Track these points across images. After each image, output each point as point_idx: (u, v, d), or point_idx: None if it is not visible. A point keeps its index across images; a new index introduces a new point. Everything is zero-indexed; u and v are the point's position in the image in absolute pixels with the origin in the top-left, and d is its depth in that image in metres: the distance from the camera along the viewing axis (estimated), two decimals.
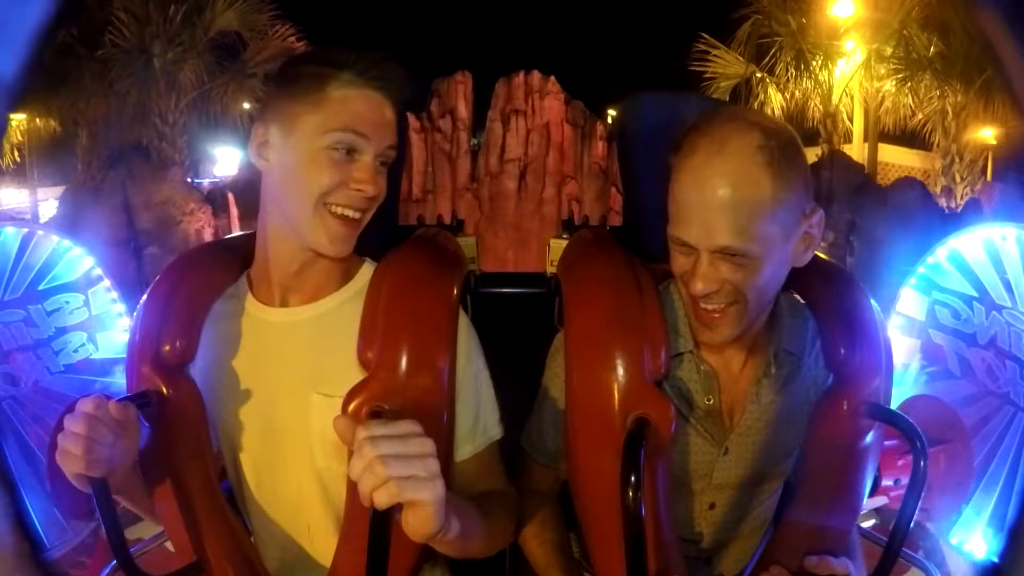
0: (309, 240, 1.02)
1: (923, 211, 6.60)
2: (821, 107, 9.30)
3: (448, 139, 8.80)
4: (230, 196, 7.02)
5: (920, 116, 9.06)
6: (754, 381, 1.08)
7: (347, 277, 1.11)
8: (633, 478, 0.89)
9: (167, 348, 1.04)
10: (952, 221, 6.67)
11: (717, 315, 1.01)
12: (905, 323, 3.15)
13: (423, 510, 0.79)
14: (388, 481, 0.76)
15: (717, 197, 0.94)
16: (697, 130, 0.98)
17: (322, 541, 1.08)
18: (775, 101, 9.54)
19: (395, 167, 1.10)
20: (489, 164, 8.77)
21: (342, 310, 1.07)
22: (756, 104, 9.31)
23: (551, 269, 1.47)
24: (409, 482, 0.77)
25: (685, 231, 0.97)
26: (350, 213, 1.02)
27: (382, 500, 0.77)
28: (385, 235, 1.20)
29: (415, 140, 8.49)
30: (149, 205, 6.48)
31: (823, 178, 6.85)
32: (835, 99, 9.24)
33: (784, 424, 1.10)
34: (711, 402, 1.08)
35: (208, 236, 6.73)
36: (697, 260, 0.98)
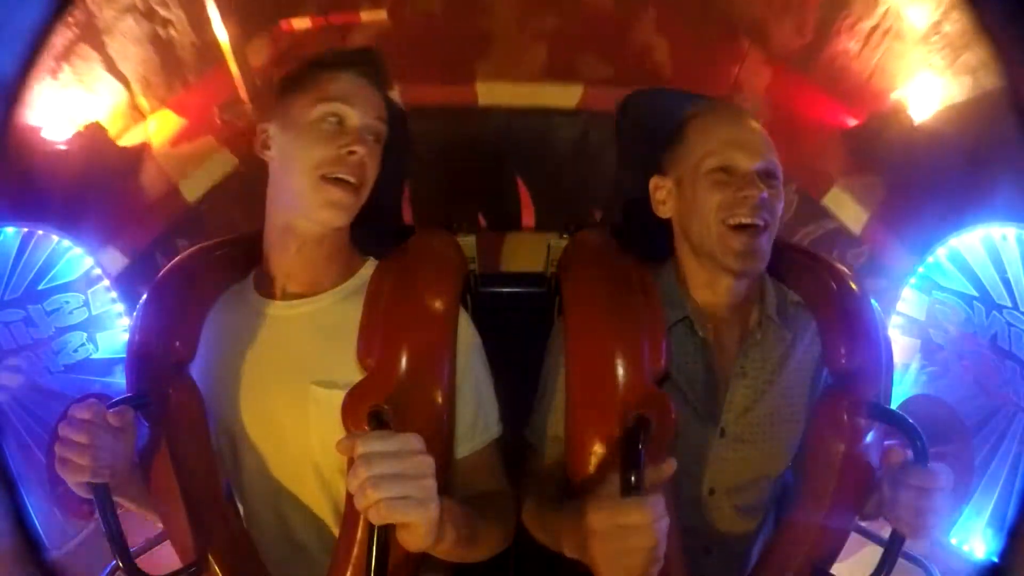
0: (312, 215, 1.04)
1: None
2: None
3: None
4: None
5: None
6: (739, 342, 1.12)
7: (348, 273, 1.11)
8: (633, 477, 0.89)
9: (167, 348, 1.04)
10: None
11: None
12: (905, 323, 3.14)
13: (415, 529, 0.81)
14: (379, 503, 0.78)
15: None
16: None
17: (319, 535, 1.08)
18: None
19: (394, 168, 1.10)
20: None
21: (342, 305, 1.07)
22: None
23: (551, 269, 1.46)
24: (401, 503, 0.78)
25: None
26: (345, 176, 1.03)
27: (373, 519, 0.79)
28: (386, 235, 1.20)
29: None
30: None
31: None
32: None
33: (778, 407, 1.12)
34: (698, 365, 1.10)
35: None
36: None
